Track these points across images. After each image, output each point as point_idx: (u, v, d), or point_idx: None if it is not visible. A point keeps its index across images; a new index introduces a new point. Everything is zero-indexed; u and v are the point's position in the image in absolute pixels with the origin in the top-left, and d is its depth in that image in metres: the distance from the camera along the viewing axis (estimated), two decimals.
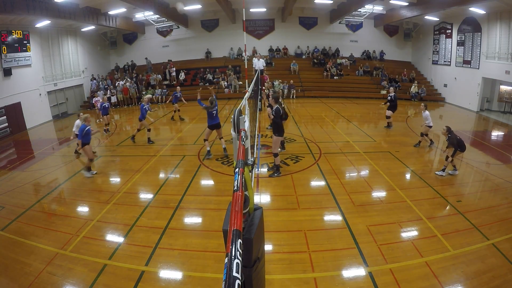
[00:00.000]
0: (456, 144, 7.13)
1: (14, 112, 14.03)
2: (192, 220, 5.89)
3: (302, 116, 13.96)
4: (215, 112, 8.46)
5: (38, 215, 6.21)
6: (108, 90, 18.55)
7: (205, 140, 8.75)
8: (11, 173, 8.87)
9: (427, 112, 9.19)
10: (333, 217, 5.75)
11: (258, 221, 1.58)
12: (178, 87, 14.35)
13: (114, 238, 5.34)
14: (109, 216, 6.00)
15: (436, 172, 7.56)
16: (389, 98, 11.33)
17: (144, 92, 19.29)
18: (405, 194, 6.46)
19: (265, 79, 16.25)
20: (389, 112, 11.42)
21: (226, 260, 0.90)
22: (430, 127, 9.22)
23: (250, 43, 20.49)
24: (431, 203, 6.17)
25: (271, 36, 21.85)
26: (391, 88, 11.85)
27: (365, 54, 21.94)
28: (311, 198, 6.46)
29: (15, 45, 13.75)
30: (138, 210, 6.17)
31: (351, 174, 7.76)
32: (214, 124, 8.51)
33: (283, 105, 7.59)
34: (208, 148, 8.77)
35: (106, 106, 12.31)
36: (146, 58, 21.16)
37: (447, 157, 7.40)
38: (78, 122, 8.87)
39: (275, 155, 7.40)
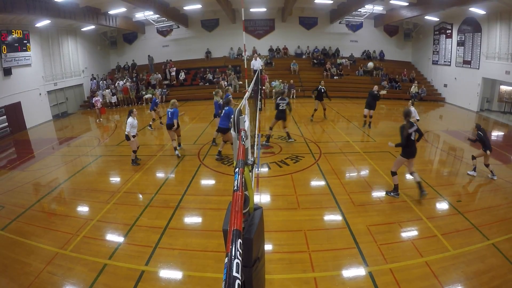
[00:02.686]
0: (484, 142, 7.11)
1: (14, 111, 14.02)
2: (192, 220, 5.90)
3: (302, 116, 13.96)
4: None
5: (38, 215, 6.21)
6: (109, 90, 18.50)
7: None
8: (11, 172, 8.87)
9: (412, 107, 9.54)
10: (333, 217, 5.75)
11: (258, 221, 1.58)
12: (229, 87, 12.92)
13: (114, 237, 5.34)
14: (109, 216, 6.00)
15: (468, 172, 7.59)
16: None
17: (143, 92, 19.28)
18: (405, 194, 6.46)
19: (264, 79, 16.22)
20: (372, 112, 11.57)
21: (226, 260, 0.90)
22: (418, 120, 9.54)
23: (250, 43, 20.49)
24: (431, 203, 6.17)
25: (271, 36, 21.83)
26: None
27: (365, 54, 21.93)
28: (311, 198, 6.46)
29: (15, 44, 13.74)
30: (138, 210, 6.17)
31: (351, 174, 7.76)
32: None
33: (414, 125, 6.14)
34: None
35: (157, 101, 12.74)
36: (148, 55, 21.07)
37: (473, 157, 7.50)
38: (131, 120, 8.14)
39: (392, 173, 6.40)
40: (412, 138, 6.10)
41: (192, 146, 10.10)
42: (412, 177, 6.33)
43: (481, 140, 7.20)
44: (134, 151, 8.50)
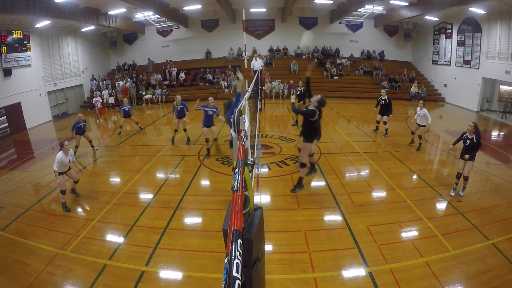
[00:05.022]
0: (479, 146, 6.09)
1: (14, 112, 14.01)
2: (192, 220, 5.89)
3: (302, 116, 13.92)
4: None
5: (38, 215, 6.21)
6: (106, 90, 18.45)
7: None
8: (11, 173, 8.86)
9: (424, 110, 8.90)
10: (333, 217, 5.75)
11: (258, 221, 1.58)
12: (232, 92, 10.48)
13: (114, 238, 5.34)
14: (109, 216, 6.00)
15: (459, 192, 6.52)
16: (382, 102, 10.41)
17: (144, 92, 19.27)
18: (405, 194, 6.46)
19: (265, 79, 16.18)
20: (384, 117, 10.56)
21: (226, 260, 0.90)
22: (424, 126, 9.08)
23: (250, 43, 20.49)
24: (431, 203, 6.17)
25: (271, 36, 21.83)
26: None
27: (365, 54, 21.94)
28: (311, 198, 6.46)
29: (15, 45, 13.73)
30: (138, 210, 6.17)
31: (351, 174, 7.76)
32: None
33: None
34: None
35: (127, 109, 11.52)
36: (148, 59, 21.09)
37: (466, 178, 6.33)
38: (60, 155, 6.24)
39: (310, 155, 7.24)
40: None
41: (192, 146, 10.10)
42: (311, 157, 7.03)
43: (478, 143, 6.13)
44: (62, 192, 6.30)
